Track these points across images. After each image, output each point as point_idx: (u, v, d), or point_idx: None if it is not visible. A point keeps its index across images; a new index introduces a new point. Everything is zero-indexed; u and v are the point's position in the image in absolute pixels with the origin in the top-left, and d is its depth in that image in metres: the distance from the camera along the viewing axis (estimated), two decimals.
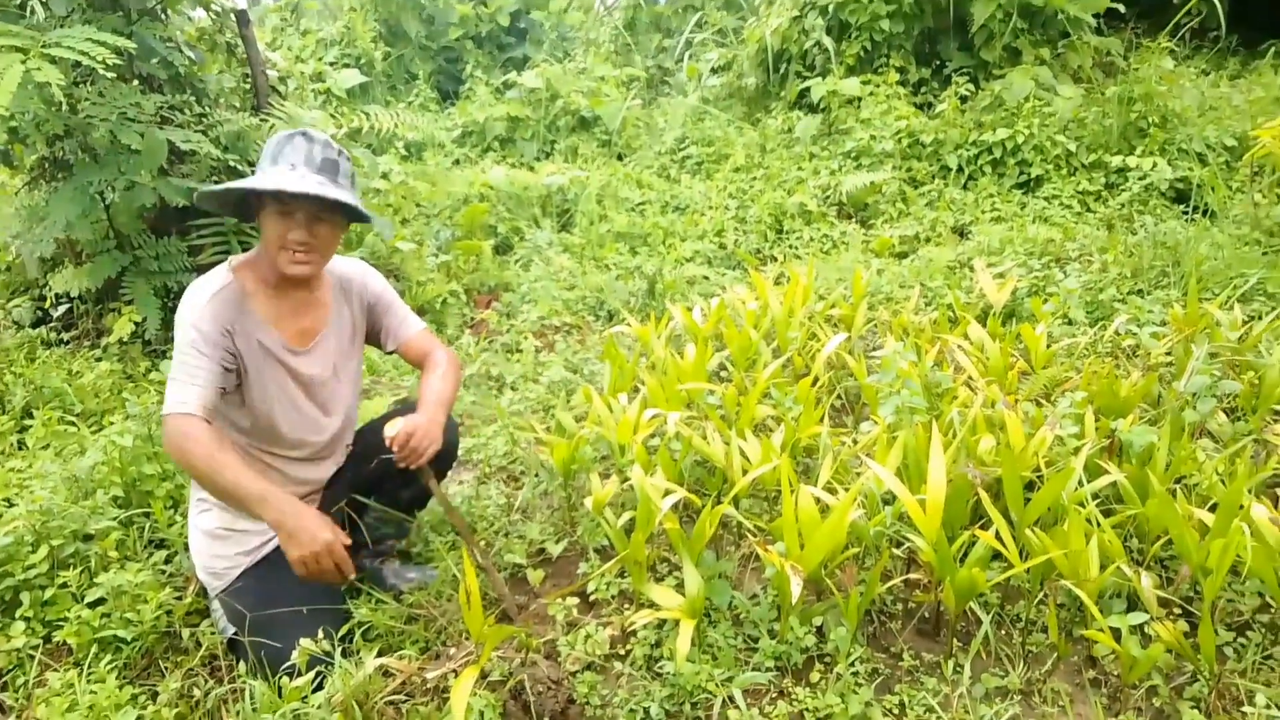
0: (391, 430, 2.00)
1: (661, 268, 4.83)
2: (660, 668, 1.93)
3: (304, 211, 1.95)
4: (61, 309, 4.02)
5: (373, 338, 2.35)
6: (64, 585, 2.15)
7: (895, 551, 2.25)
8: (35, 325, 3.94)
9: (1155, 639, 1.78)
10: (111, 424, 2.86)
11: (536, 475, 2.84)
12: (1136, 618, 1.77)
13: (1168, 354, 3.09)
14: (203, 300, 1.97)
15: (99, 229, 3.71)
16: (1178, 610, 2.06)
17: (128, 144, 3.41)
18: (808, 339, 3.41)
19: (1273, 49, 7.54)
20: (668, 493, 2.12)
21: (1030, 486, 2.27)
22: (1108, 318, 3.56)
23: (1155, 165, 5.47)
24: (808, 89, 6.98)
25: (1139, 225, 4.84)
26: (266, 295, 2.05)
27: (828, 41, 7.10)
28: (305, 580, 1.85)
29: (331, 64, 9.57)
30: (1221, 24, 7.27)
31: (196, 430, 1.86)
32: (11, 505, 2.51)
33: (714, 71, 8.36)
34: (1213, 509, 2.06)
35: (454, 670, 1.90)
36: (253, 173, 2.11)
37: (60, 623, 2.10)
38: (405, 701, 1.86)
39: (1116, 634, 1.78)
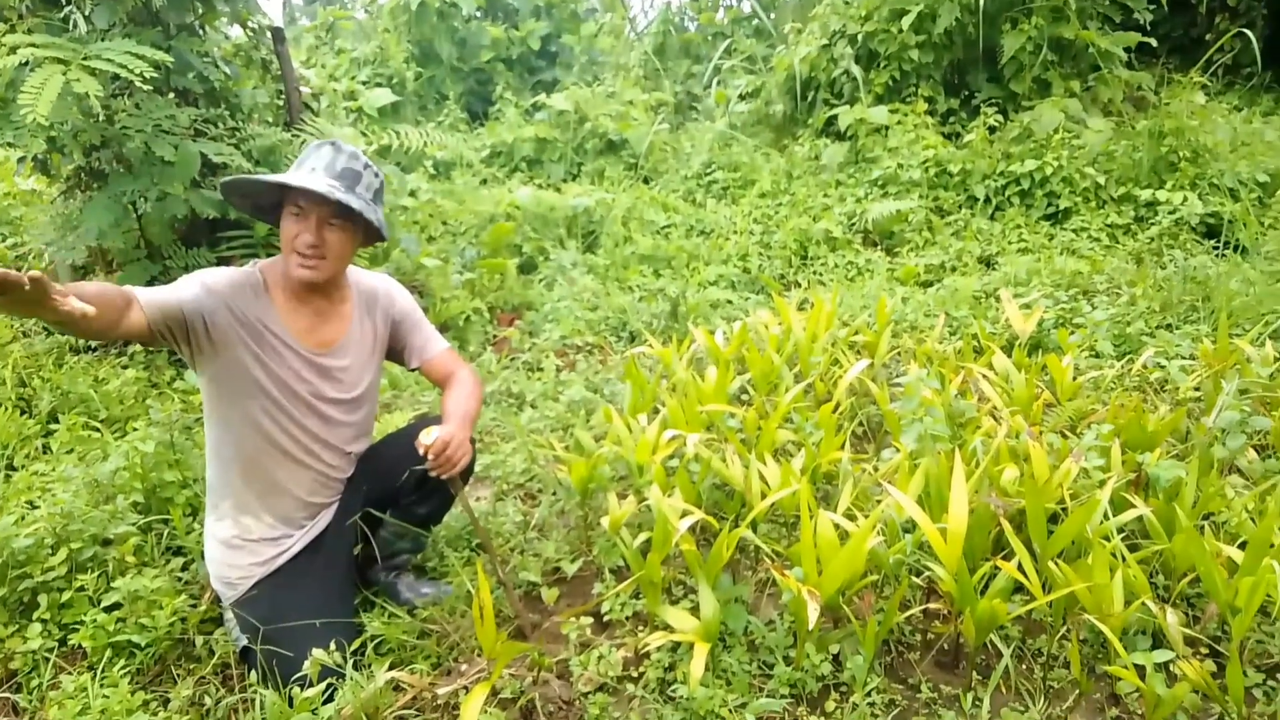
0: (427, 439, 1.98)
1: (685, 291, 4.82)
2: (673, 691, 1.91)
3: (315, 215, 1.97)
4: None
5: (395, 354, 2.34)
6: (81, 589, 2.16)
7: (915, 580, 2.22)
8: (64, 332, 3.99)
9: (1181, 678, 1.74)
10: (134, 430, 2.88)
11: (554, 493, 2.83)
12: (1162, 655, 1.73)
13: (1196, 389, 3.04)
14: (223, 272, 2.00)
15: (130, 238, 3.78)
16: (1205, 649, 2.01)
17: (161, 155, 3.47)
18: (830, 365, 3.39)
19: None
20: (685, 514, 2.10)
21: (1054, 519, 2.22)
22: (1135, 351, 3.52)
23: (1186, 200, 5.41)
24: (835, 117, 6.99)
25: (1168, 260, 4.79)
26: (286, 298, 2.07)
27: (856, 70, 7.12)
28: None
29: (364, 83, 9.70)
30: (1256, 60, 7.23)
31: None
32: (34, 508, 2.53)
33: (742, 98, 8.39)
34: (1242, 546, 2.01)
35: (465, 686, 1.89)
36: None
37: (76, 626, 2.10)
38: (415, 717, 1.85)
39: (1141, 671, 1.74)
